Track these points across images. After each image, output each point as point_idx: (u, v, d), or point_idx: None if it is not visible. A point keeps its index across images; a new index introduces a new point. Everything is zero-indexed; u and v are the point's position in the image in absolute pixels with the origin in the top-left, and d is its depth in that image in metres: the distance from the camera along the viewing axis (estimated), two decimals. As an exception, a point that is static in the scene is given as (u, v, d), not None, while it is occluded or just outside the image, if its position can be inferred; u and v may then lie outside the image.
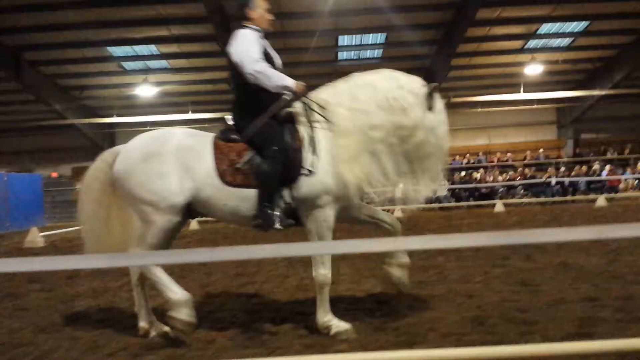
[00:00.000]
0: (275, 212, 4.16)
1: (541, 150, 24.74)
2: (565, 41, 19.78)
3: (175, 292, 4.09)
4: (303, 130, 4.32)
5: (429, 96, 4.42)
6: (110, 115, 24.21)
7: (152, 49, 19.18)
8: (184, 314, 4.03)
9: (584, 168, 22.13)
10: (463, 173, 22.01)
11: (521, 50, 20.17)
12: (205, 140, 4.36)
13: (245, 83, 4.22)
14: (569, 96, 23.47)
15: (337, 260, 7.13)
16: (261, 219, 4.15)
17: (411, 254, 5.21)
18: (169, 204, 4.17)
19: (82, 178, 4.60)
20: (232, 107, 4.54)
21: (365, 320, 4.66)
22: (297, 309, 5.13)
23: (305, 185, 4.22)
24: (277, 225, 4.16)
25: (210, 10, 15.88)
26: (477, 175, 21.56)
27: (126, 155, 4.34)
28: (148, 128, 26.93)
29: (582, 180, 21.26)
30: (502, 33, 18.61)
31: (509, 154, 24.67)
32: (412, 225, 12.00)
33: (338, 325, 4.23)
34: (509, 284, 5.86)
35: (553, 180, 20.72)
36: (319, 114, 4.34)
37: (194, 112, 23.02)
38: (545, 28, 18.61)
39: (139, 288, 4.46)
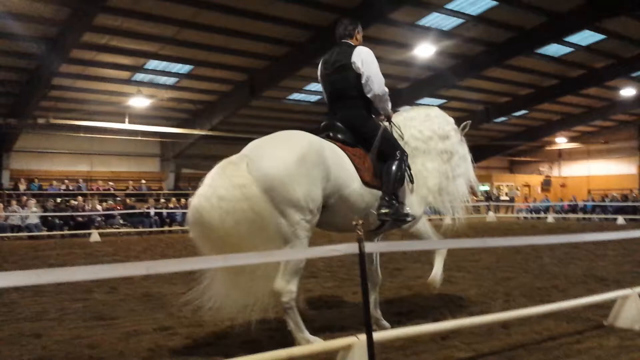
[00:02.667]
0: (407, 209, 4.66)
1: (143, 181, 25.28)
2: (171, 80, 20.82)
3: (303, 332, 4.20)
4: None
5: (462, 130, 5.42)
6: None
7: None
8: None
9: (183, 200, 23.51)
10: (59, 200, 20.64)
11: (128, 82, 20.31)
12: (331, 143, 4.48)
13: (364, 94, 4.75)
14: (172, 132, 24.65)
15: None
16: (391, 213, 4.48)
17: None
18: (318, 207, 4.19)
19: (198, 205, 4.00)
20: (352, 110, 4.79)
21: None
22: None
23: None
24: (409, 218, 4.67)
25: None
26: (74, 202, 20.48)
27: (276, 159, 4.05)
28: None
29: (180, 212, 22.51)
30: (109, 61, 18.37)
31: (111, 183, 24.36)
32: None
33: None
34: (85, 319, 5.58)
35: (152, 211, 21.29)
36: (400, 135, 5.00)
37: None
38: (152, 64, 19.22)
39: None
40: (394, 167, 4.57)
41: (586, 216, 27.59)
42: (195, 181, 27.72)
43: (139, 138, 24.51)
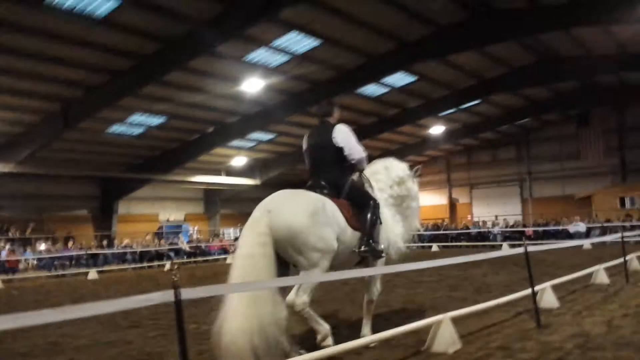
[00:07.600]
0: (381, 246, 5.70)
1: None
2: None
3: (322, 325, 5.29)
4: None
5: (414, 173, 6.64)
6: None
7: None
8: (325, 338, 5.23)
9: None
10: None
11: None
12: (326, 198, 5.41)
13: (344, 158, 5.85)
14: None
15: None
16: (369, 250, 5.51)
17: None
18: (333, 248, 5.16)
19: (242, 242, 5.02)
20: (332, 173, 5.80)
21: None
22: None
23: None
24: (384, 254, 5.77)
25: None
26: None
27: (295, 214, 4.99)
28: None
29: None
30: None
31: None
32: None
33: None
34: None
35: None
36: (370, 186, 6.14)
37: None
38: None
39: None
40: (368, 214, 5.59)
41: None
42: (-1, 224, 24.43)
43: None
